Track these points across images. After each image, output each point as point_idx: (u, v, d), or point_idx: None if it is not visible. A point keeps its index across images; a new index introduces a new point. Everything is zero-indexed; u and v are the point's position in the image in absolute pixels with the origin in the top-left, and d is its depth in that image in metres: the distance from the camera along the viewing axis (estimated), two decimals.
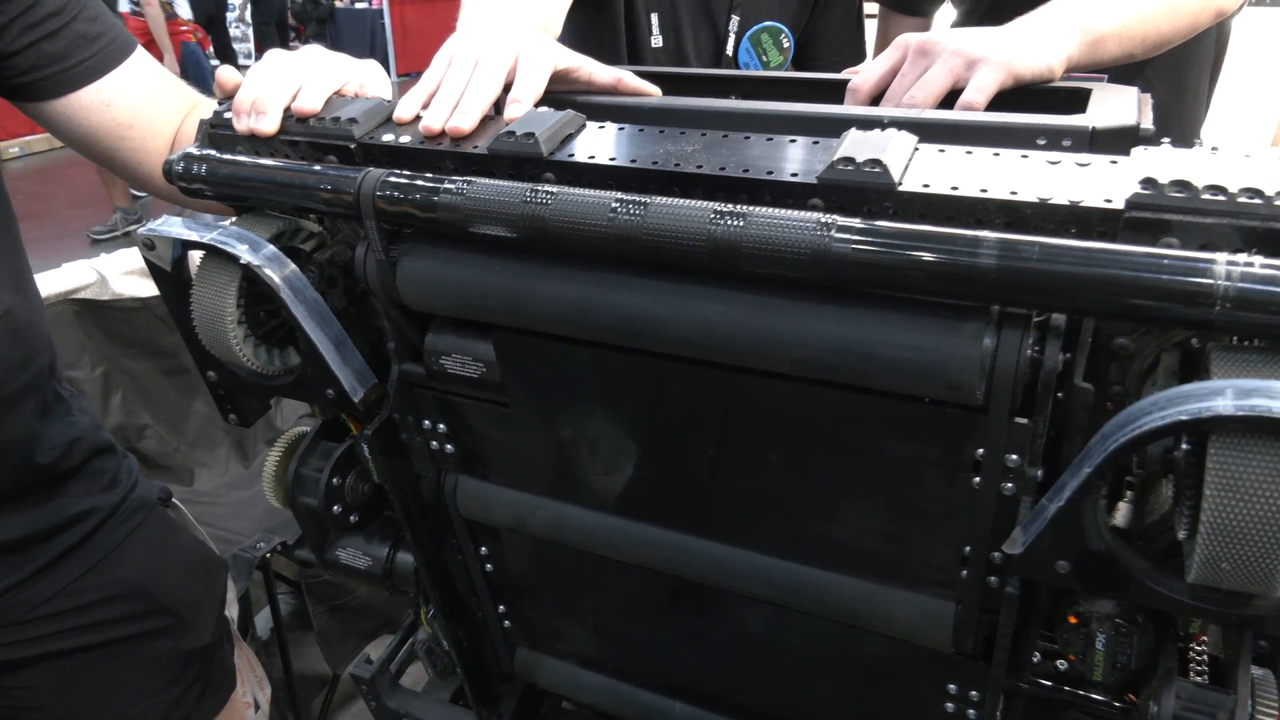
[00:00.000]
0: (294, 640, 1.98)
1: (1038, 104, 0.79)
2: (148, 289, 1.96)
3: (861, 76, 0.88)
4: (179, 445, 2.19)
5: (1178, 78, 1.27)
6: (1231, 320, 0.45)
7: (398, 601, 2.03)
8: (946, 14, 1.46)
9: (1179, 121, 1.28)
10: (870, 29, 1.54)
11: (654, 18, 1.36)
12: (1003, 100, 0.80)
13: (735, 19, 1.37)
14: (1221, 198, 0.48)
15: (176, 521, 1.13)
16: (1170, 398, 0.46)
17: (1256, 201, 0.47)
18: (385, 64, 10.07)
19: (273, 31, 8.93)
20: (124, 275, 1.94)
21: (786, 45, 1.41)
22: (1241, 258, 0.45)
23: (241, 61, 9.16)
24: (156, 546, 1.05)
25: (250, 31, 9.26)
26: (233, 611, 1.42)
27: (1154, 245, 0.48)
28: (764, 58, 1.40)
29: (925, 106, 0.81)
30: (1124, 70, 1.20)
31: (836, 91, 0.92)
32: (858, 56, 1.48)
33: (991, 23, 0.87)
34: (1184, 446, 0.48)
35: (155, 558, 1.04)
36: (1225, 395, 0.44)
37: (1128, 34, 0.90)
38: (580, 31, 1.40)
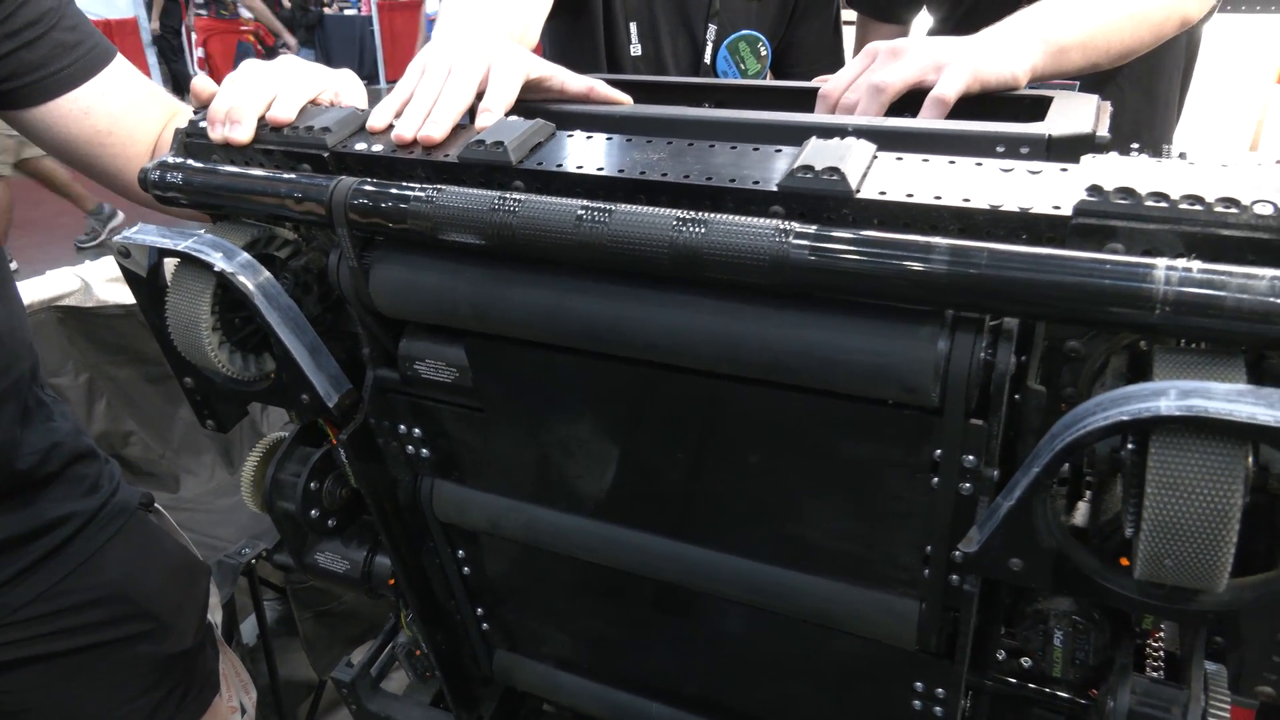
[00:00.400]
0: (280, 646, 1.98)
1: (1003, 112, 0.80)
2: (132, 296, 1.96)
3: (831, 83, 0.89)
4: (164, 452, 2.19)
5: (1149, 85, 1.29)
6: (1171, 323, 0.47)
7: (384, 607, 2.03)
8: (923, 23, 1.48)
9: (1150, 129, 1.30)
10: (849, 37, 1.56)
11: (633, 26, 1.37)
12: (969, 108, 0.82)
13: (713, 27, 1.39)
14: (1164, 204, 0.49)
15: (158, 526, 1.14)
16: (1113, 399, 0.47)
17: (1197, 208, 0.49)
18: (374, 71, 10.07)
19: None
20: (108, 282, 1.94)
21: (764, 53, 1.42)
22: (1181, 262, 0.47)
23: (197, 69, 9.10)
24: (137, 551, 1.05)
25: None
26: (216, 617, 1.42)
27: (1099, 251, 0.50)
28: (742, 65, 1.42)
29: (890, 91, 0.83)
30: (1095, 78, 1.22)
31: (809, 99, 0.94)
32: (835, 64, 1.49)
33: (965, 32, 0.89)
34: (1129, 446, 0.50)
35: (136, 562, 1.05)
36: (1166, 396, 0.45)
37: (1092, 44, 0.92)
38: (560, 40, 1.41)
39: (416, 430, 0.81)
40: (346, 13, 11.05)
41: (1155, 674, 0.65)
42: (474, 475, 0.83)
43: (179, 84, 8.03)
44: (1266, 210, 0.48)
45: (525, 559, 0.89)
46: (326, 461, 0.88)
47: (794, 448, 0.66)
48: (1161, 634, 0.66)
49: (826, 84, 0.90)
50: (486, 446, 0.80)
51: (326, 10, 10.96)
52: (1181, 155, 0.57)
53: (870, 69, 0.87)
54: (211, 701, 1.15)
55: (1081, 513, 0.62)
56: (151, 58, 7.82)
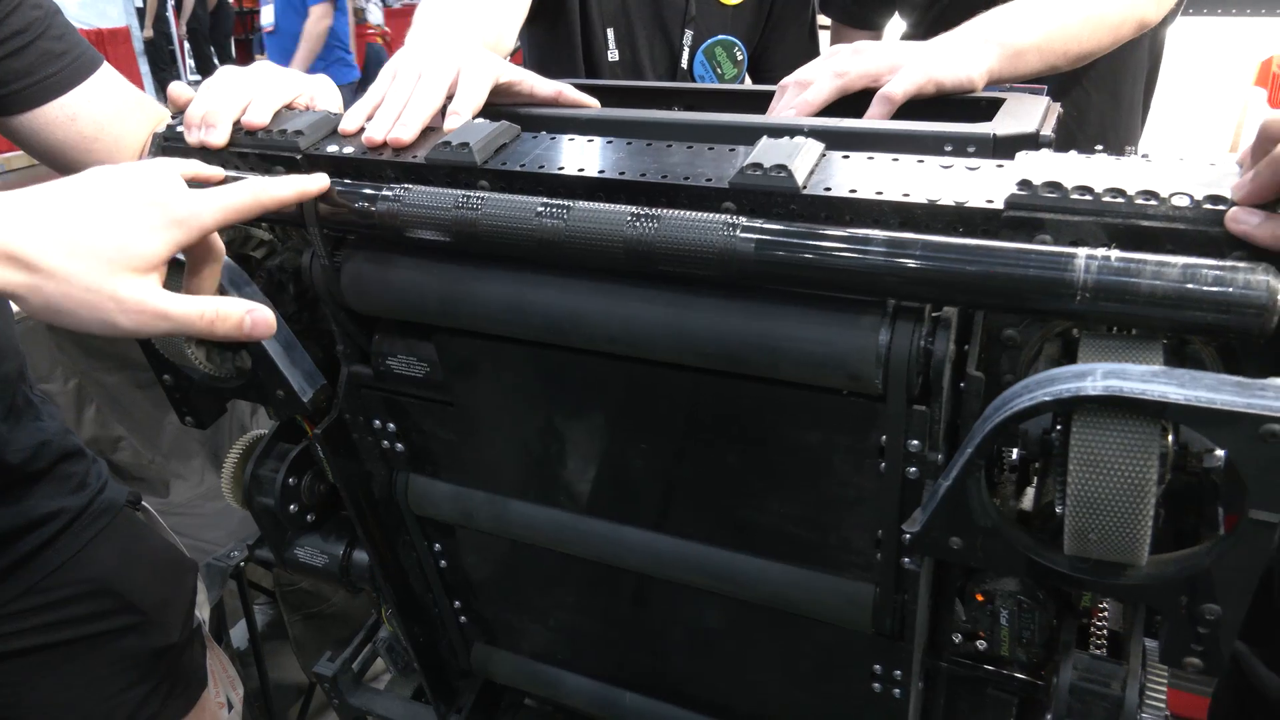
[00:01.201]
0: (271, 649, 2.00)
1: (959, 113, 0.83)
2: None
3: (794, 76, 0.91)
4: (154, 457, 2.20)
5: (1114, 88, 1.32)
6: (1092, 309, 0.49)
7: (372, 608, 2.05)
8: (896, 29, 1.51)
9: (1115, 129, 1.33)
10: (825, 43, 1.59)
11: (610, 32, 1.40)
12: (927, 109, 0.85)
13: (689, 33, 1.41)
14: (1088, 197, 0.52)
15: (145, 523, 1.15)
16: (1039, 381, 0.50)
17: (1119, 200, 0.52)
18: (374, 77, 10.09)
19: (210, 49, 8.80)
20: None
21: (740, 58, 1.45)
22: (1100, 251, 0.49)
23: (190, 77, 9.12)
24: (124, 546, 1.07)
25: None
26: (204, 614, 1.44)
27: (1029, 242, 0.52)
28: (718, 70, 1.44)
29: (847, 78, 0.85)
30: (1062, 82, 1.25)
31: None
32: None
33: (935, 36, 0.91)
34: (1057, 428, 0.52)
35: (122, 557, 1.07)
36: (1090, 377, 0.48)
37: (1048, 47, 0.94)
38: (539, 46, 1.44)
39: (390, 425, 0.84)
40: None
41: (1098, 651, 0.68)
42: (446, 468, 0.85)
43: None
44: (1183, 202, 0.51)
45: (500, 552, 0.91)
46: (304, 457, 0.90)
47: (748, 436, 0.68)
48: (1104, 613, 0.68)
49: (789, 76, 0.92)
50: (458, 440, 0.82)
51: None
52: (1144, 156, 0.59)
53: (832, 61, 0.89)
54: (199, 697, 1.17)
55: (1028, 498, 0.65)
56: (144, 66, 7.83)
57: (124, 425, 2.13)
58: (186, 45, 8.34)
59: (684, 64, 1.45)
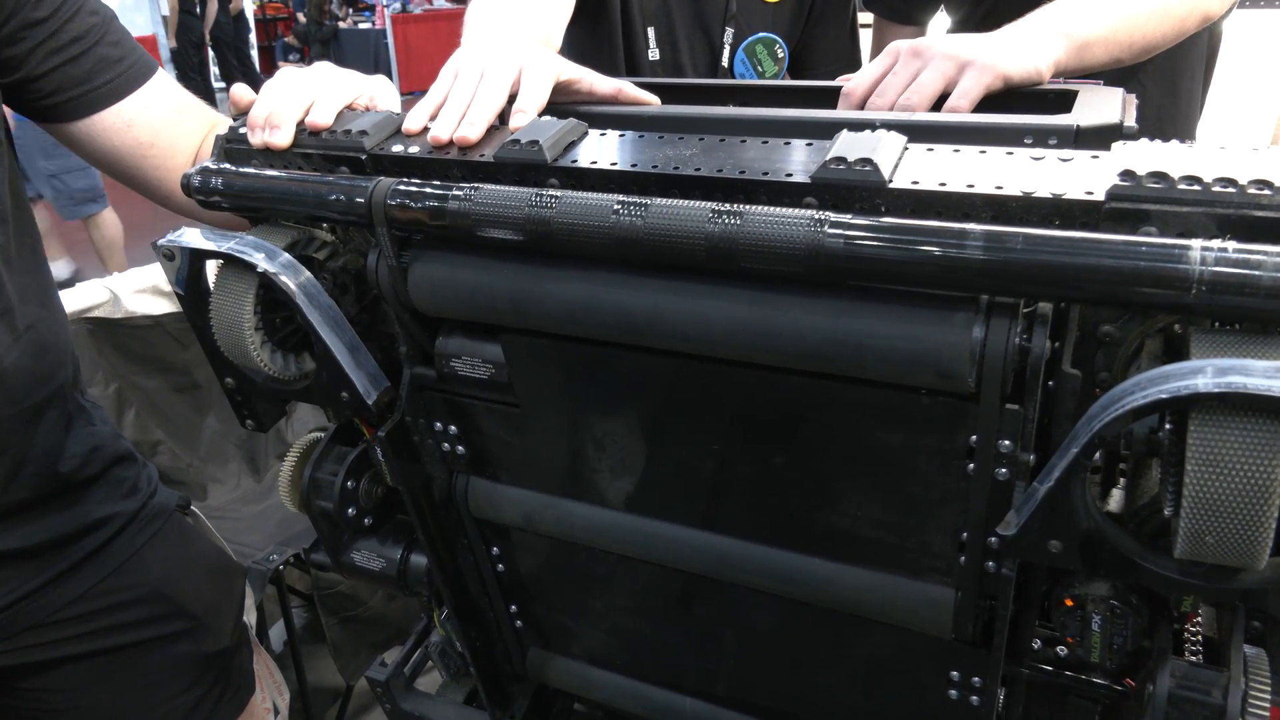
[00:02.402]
0: (307, 653, 2.00)
1: (1028, 106, 0.81)
2: (160, 307, 1.99)
3: (854, 81, 0.90)
4: (191, 461, 2.22)
5: (1171, 81, 1.29)
6: (1208, 303, 0.47)
7: (409, 612, 2.05)
8: (940, 24, 1.49)
9: (1173, 123, 1.31)
10: (865, 40, 1.57)
11: (650, 31, 1.39)
12: (994, 103, 0.83)
13: (730, 31, 1.40)
14: (1197, 187, 0.50)
15: (194, 528, 1.15)
16: (1152, 378, 0.48)
17: (1230, 190, 0.50)
18: None
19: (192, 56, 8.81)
20: (136, 293, 1.97)
21: (781, 56, 1.43)
22: (1216, 243, 0.48)
23: (215, 84, 9.18)
24: (176, 551, 1.07)
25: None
26: (251, 618, 1.44)
27: (1133, 234, 0.51)
28: (759, 68, 1.43)
29: (919, 108, 0.84)
30: (1117, 74, 1.22)
31: (830, 98, 0.95)
32: (852, 66, 1.51)
33: (985, 30, 0.89)
34: (1167, 426, 0.50)
35: (174, 562, 1.07)
36: (1204, 374, 0.46)
37: (1114, 39, 0.92)
38: (579, 45, 1.43)
39: (452, 427, 0.83)
40: (361, 26, 11.17)
41: (1194, 659, 0.65)
42: (508, 471, 0.84)
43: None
44: None
45: (558, 555, 0.90)
46: (363, 460, 0.89)
47: (829, 436, 0.67)
48: (1199, 619, 0.66)
49: (849, 82, 0.91)
50: (521, 442, 0.81)
51: (341, 25, 11.09)
52: (1254, 148, 0.57)
53: (893, 74, 0.88)
54: (248, 701, 1.17)
55: (1116, 499, 0.63)
56: (170, 74, 7.94)
57: (163, 429, 2.14)
58: (210, 53, 8.43)
59: (724, 62, 1.44)
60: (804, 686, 0.85)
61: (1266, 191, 0.49)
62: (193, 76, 8.04)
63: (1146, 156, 0.53)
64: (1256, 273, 0.46)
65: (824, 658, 0.82)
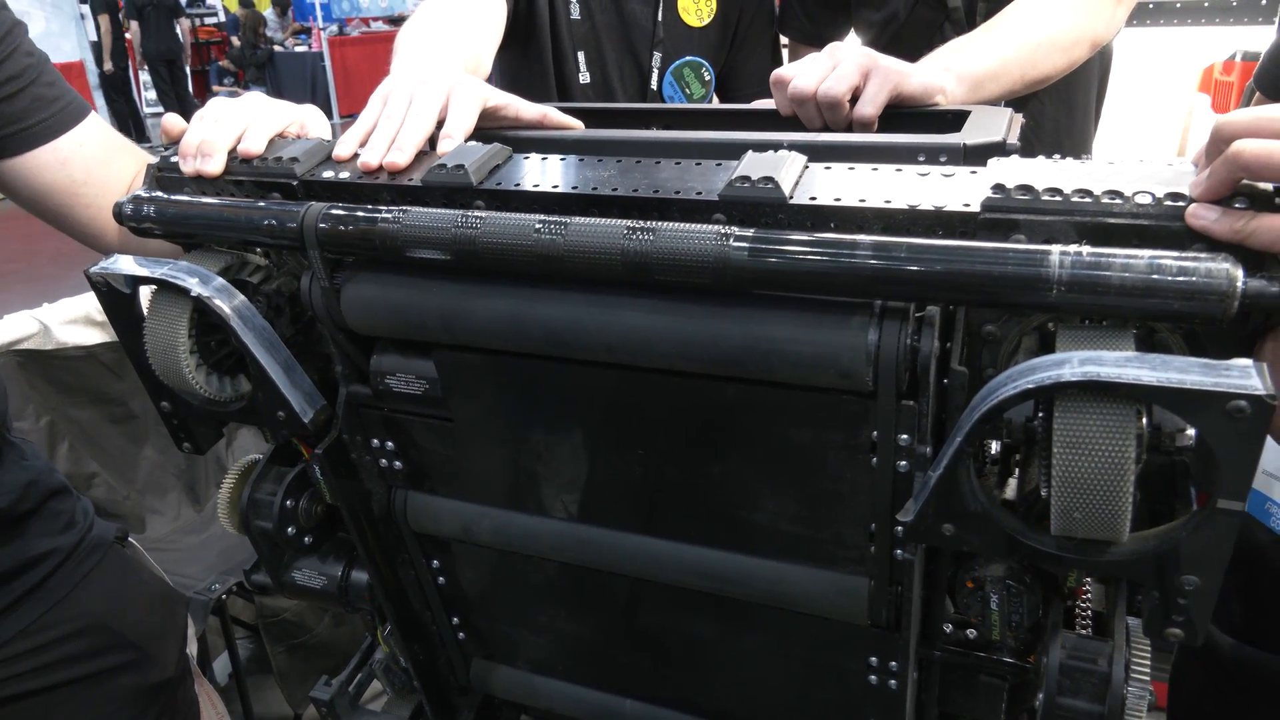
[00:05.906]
0: (254, 684, 1.98)
1: (927, 126, 0.87)
2: (93, 337, 1.96)
3: (782, 71, 0.94)
4: (129, 493, 2.17)
5: (1067, 98, 1.38)
6: (1066, 302, 0.53)
7: (356, 638, 2.04)
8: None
9: (1070, 136, 1.39)
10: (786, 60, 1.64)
11: (580, 55, 1.43)
12: (896, 122, 0.89)
13: (658, 55, 1.45)
14: (1058, 198, 0.56)
15: (134, 559, 1.15)
16: (1021, 370, 0.53)
17: (1087, 200, 0.55)
18: (327, 106, 10.11)
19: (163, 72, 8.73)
20: (67, 324, 1.94)
21: (708, 78, 1.49)
22: (1073, 248, 0.53)
23: (147, 109, 9.05)
24: (116, 583, 1.07)
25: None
26: (192, 649, 1.43)
27: (1005, 241, 0.56)
28: (687, 90, 1.48)
29: (838, 92, 0.88)
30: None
31: (750, 121, 1.00)
32: None
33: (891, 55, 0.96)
34: (1040, 415, 0.55)
35: (115, 594, 1.06)
36: (1067, 365, 0.51)
37: (1005, 75, 1.00)
38: (511, 70, 1.47)
39: (389, 443, 0.85)
40: (297, 50, 11.06)
41: (1084, 631, 0.71)
42: (445, 484, 0.87)
43: (123, 123, 8.02)
44: (1146, 200, 0.54)
45: (498, 566, 0.93)
46: (301, 479, 0.91)
47: (746, 438, 0.71)
48: (1087, 595, 0.72)
49: (779, 70, 0.94)
50: (456, 455, 0.84)
51: (277, 48, 10.97)
52: (1110, 161, 0.63)
53: (814, 61, 0.91)
54: None
55: (1012, 488, 0.68)
56: (99, 99, 7.80)
57: (98, 461, 2.10)
58: (144, 77, 8.30)
59: (653, 85, 1.49)
60: (737, 681, 0.89)
61: (1118, 200, 0.55)
62: (117, 99, 7.92)
63: (1017, 171, 0.59)
64: (1107, 273, 0.52)
65: (754, 652, 0.86)
